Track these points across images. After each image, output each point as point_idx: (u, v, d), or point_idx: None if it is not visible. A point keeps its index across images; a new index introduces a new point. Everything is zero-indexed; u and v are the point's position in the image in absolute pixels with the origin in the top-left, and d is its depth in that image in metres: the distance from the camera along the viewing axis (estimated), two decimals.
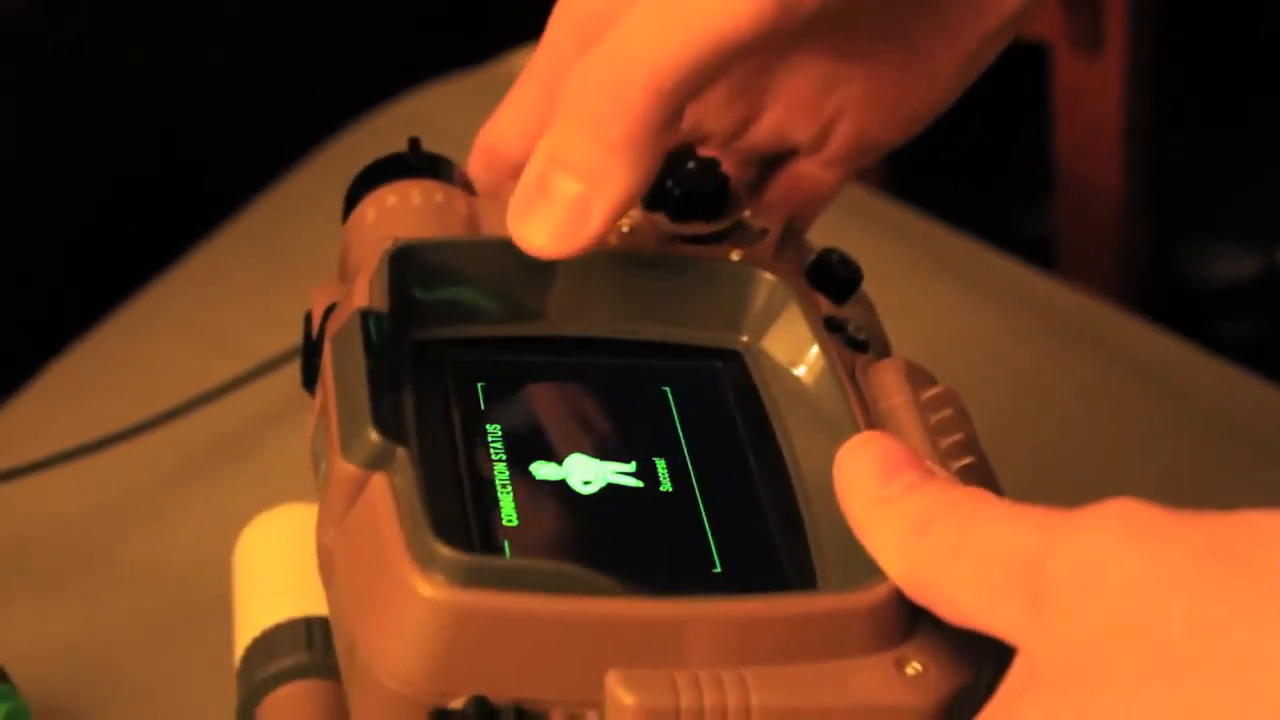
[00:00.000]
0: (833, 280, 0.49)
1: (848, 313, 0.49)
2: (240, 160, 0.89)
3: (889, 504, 0.41)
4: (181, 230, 0.84)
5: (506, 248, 0.46)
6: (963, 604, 0.40)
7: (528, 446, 0.45)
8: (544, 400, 0.46)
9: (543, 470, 0.44)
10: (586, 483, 0.44)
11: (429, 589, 0.39)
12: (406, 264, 0.46)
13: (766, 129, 0.53)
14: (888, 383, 0.46)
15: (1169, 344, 0.81)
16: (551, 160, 0.45)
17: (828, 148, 0.53)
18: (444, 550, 0.39)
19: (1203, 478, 0.75)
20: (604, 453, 0.45)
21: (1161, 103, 1.07)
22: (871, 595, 0.41)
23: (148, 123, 0.90)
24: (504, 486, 0.43)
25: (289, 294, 0.80)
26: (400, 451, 0.41)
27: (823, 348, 0.46)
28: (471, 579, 0.39)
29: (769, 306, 0.48)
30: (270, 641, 0.57)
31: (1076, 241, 1.10)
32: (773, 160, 0.54)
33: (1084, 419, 0.77)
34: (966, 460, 0.44)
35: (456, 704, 0.39)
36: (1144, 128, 1.06)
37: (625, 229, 0.48)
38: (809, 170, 0.54)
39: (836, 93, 0.52)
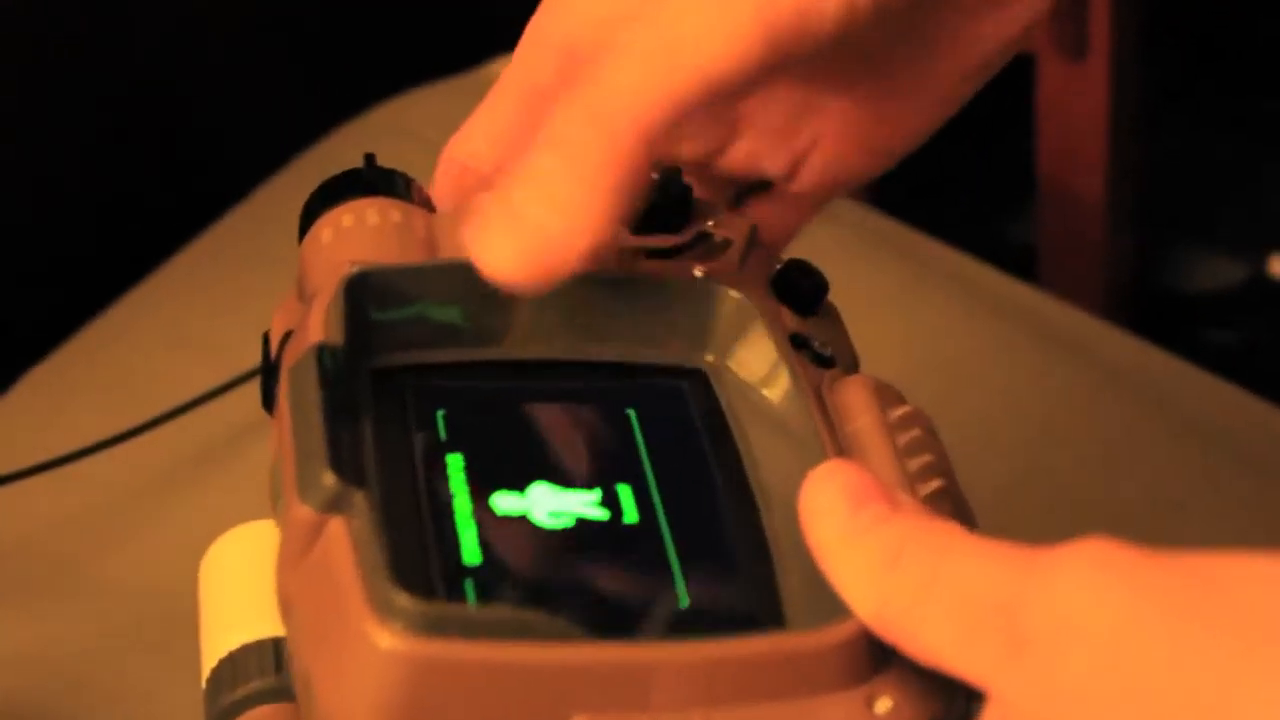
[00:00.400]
0: (798, 292, 0.48)
1: (814, 325, 0.48)
2: (234, 165, 0.89)
3: (856, 538, 0.40)
4: (173, 235, 0.84)
5: (465, 271, 0.45)
6: (932, 644, 0.39)
7: (489, 476, 0.44)
8: (505, 427, 0.45)
9: (505, 502, 0.43)
10: (550, 514, 0.43)
11: (387, 639, 0.38)
12: (363, 291, 0.45)
13: (739, 155, 0.52)
14: (854, 401, 0.45)
15: (1152, 354, 0.81)
16: (529, 186, 0.44)
17: (800, 178, 0.53)
18: (402, 599, 0.38)
19: (1186, 487, 0.75)
20: (568, 480, 0.44)
21: (1146, 110, 1.07)
22: (839, 632, 0.40)
23: (140, 128, 0.90)
24: (465, 522, 0.43)
25: (269, 301, 0.80)
26: (358, 495, 0.40)
27: (789, 367, 0.45)
28: (430, 628, 0.38)
29: (733, 324, 0.47)
30: (237, 664, 0.57)
31: (1060, 249, 1.10)
32: (746, 189, 0.54)
33: (1067, 429, 0.77)
34: (935, 484, 0.44)
35: None
36: (1128, 135, 1.06)
37: None
38: (780, 201, 0.53)
39: (810, 123, 0.52)
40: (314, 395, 0.42)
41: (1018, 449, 0.76)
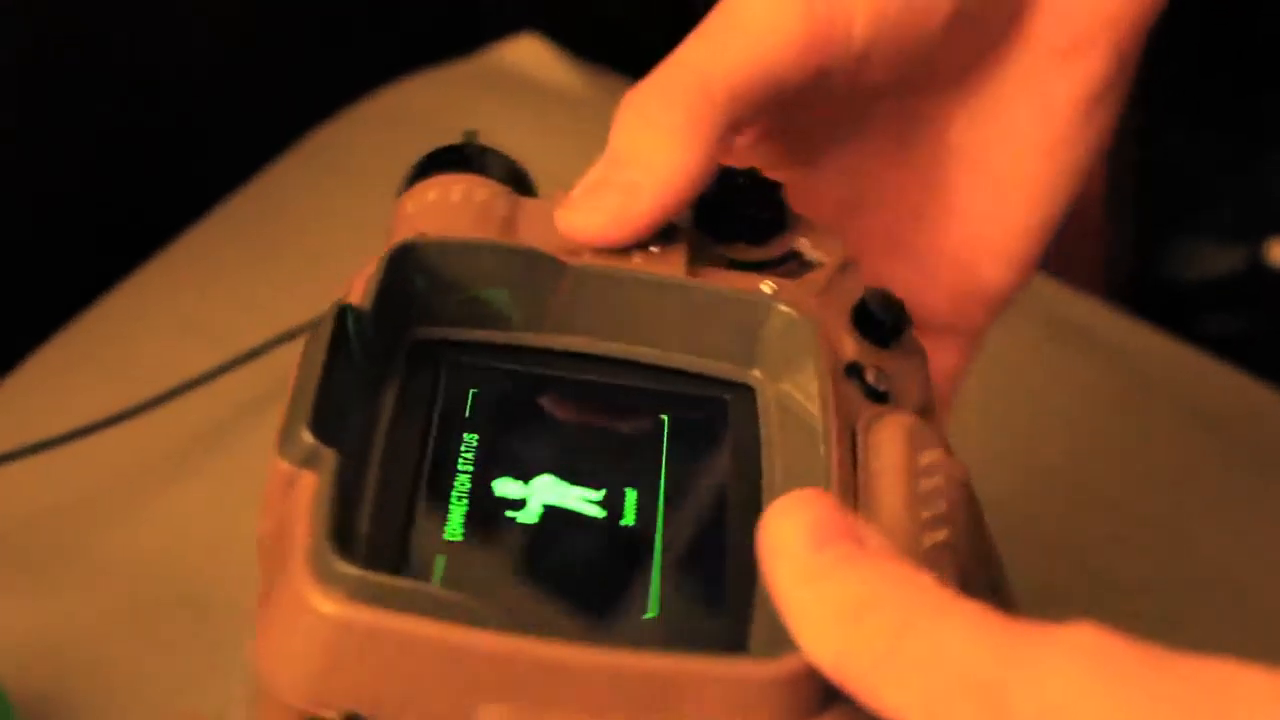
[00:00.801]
0: (873, 322, 0.47)
1: (886, 358, 0.47)
2: (229, 151, 0.89)
3: (817, 580, 0.38)
4: (174, 221, 0.84)
5: (519, 254, 0.45)
6: (896, 708, 0.37)
7: (499, 460, 0.44)
8: (531, 414, 0.45)
9: (505, 487, 0.43)
10: (546, 505, 0.43)
11: (315, 597, 0.38)
12: (411, 262, 0.45)
13: (870, 273, 0.52)
14: (885, 440, 0.44)
15: (1154, 339, 0.81)
16: (606, 157, 0.47)
17: (934, 292, 0.52)
18: (336, 561, 0.38)
19: (1186, 471, 0.75)
20: (576, 476, 0.44)
21: (1145, 99, 1.07)
22: (778, 667, 0.38)
23: (135, 111, 0.90)
24: (460, 498, 0.43)
25: (271, 283, 0.80)
26: (328, 453, 0.40)
27: (822, 393, 0.44)
28: (358, 594, 0.38)
29: (786, 343, 0.46)
30: None
31: (1061, 237, 1.10)
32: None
33: (1068, 414, 0.77)
34: (942, 535, 0.42)
35: (329, 715, 0.38)
36: (1127, 124, 1.06)
37: (654, 250, 0.47)
38: (930, 336, 0.52)
39: (922, 226, 0.52)
40: (321, 353, 0.42)
41: (1014, 433, 0.76)
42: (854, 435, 0.44)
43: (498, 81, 0.89)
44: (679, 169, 0.46)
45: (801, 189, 0.52)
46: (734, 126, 0.47)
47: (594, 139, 0.91)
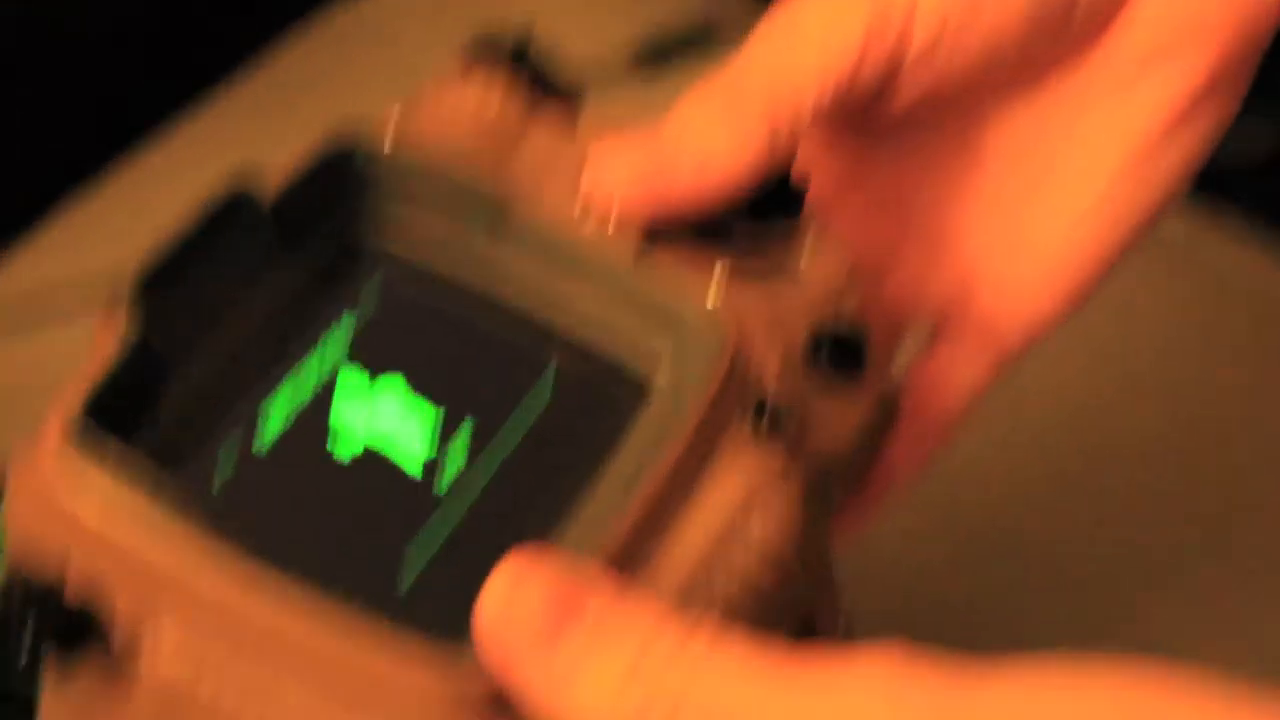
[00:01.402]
0: (821, 352, 0.44)
1: (830, 393, 0.44)
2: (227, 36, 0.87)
3: (560, 646, 0.35)
4: (164, 109, 0.83)
5: (467, 192, 0.44)
6: None
7: (361, 349, 0.43)
8: (426, 326, 0.44)
9: (349, 380, 0.42)
10: (368, 446, 0.41)
11: (50, 431, 0.39)
12: (349, 166, 0.44)
13: (904, 280, 0.50)
14: (722, 488, 0.41)
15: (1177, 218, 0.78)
16: (654, 129, 0.44)
17: (970, 304, 0.49)
18: (74, 407, 0.39)
19: (1207, 347, 0.73)
20: (423, 385, 0.42)
21: None
22: (455, 684, 0.36)
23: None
24: (292, 396, 0.42)
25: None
26: (136, 312, 0.40)
27: (693, 410, 0.41)
28: (84, 442, 0.38)
29: (698, 344, 0.42)
30: None
31: None
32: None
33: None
34: (721, 596, 0.39)
35: (39, 573, 0.38)
36: None
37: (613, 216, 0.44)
38: (962, 342, 0.50)
39: (969, 233, 0.49)
40: (186, 223, 0.41)
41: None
42: (704, 459, 0.41)
43: None
44: (727, 159, 0.44)
45: (849, 173, 0.49)
46: (793, 137, 0.44)
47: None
